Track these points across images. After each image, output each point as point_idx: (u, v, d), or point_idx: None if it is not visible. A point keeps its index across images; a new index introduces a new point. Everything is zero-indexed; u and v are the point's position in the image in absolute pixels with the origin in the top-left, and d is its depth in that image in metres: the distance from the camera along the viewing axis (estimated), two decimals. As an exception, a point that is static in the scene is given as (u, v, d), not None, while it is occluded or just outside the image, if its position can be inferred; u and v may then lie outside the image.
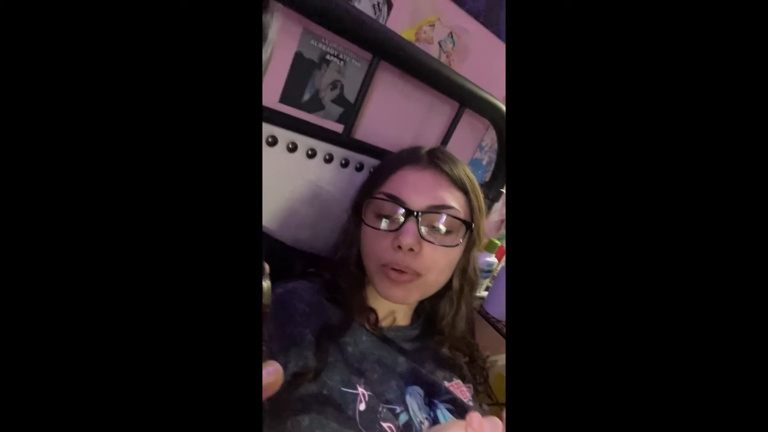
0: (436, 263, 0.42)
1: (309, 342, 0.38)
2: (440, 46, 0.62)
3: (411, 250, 0.40)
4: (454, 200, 0.42)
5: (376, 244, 0.42)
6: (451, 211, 0.41)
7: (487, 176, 0.78)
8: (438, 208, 0.41)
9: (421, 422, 0.39)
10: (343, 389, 0.37)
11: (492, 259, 0.79)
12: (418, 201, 0.41)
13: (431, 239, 0.41)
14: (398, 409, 0.38)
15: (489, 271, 0.80)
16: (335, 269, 0.47)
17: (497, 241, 0.80)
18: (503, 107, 0.68)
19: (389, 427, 0.36)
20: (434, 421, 0.39)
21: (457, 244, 0.42)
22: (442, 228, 0.42)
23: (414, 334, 0.48)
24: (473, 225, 0.43)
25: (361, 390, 0.38)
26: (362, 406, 0.36)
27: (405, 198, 0.41)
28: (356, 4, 0.52)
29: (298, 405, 0.35)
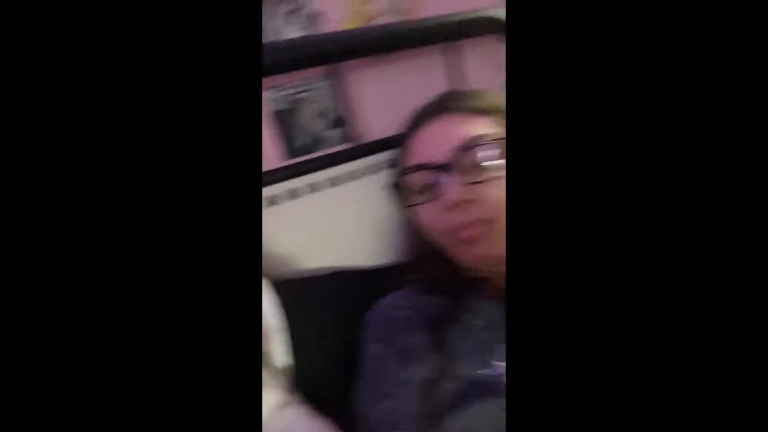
0: (500, 198, 0.36)
1: (425, 344, 0.36)
2: (391, 9, 0.59)
3: (467, 202, 0.35)
4: (483, 128, 0.37)
5: (432, 218, 0.39)
6: (481, 139, 0.36)
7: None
8: (465, 146, 0.36)
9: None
10: (481, 372, 0.33)
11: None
12: (443, 152, 0.37)
13: (481, 178, 0.35)
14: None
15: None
16: (418, 265, 0.44)
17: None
18: (493, 13, 0.59)
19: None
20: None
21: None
22: (485, 161, 0.36)
23: None
24: None
25: (500, 364, 0.33)
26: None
27: (429, 158, 0.38)
28: (288, 34, 0.53)
29: (443, 412, 0.32)
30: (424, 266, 0.43)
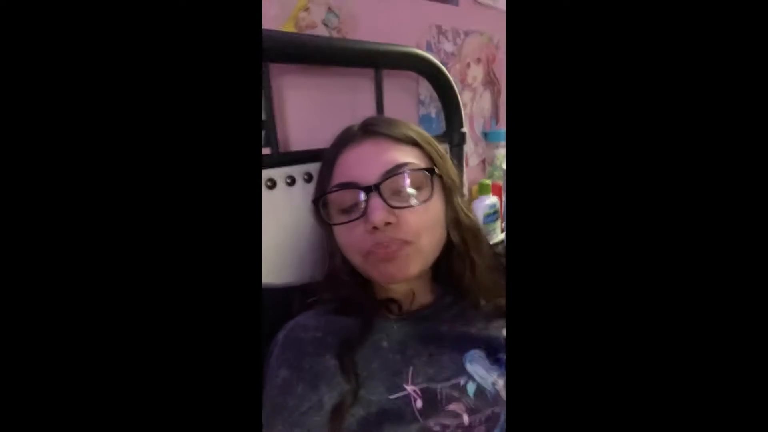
0: (421, 224, 0.38)
1: (333, 366, 0.35)
2: (325, 25, 0.59)
3: (388, 224, 0.36)
4: (407, 156, 0.39)
5: (352, 237, 0.39)
6: (407, 167, 0.38)
7: (443, 126, 0.74)
8: (393, 171, 0.37)
9: (494, 383, 0.33)
10: (391, 397, 0.33)
11: (491, 200, 0.74)
12: (370, 174, 0.37)
13: (403, 203, 0.37)
14: (462, 382, 0.33)
15: (494, 213, 0.75)
16: (330, 285, 0.43)
17: (487, 181, 0.75)
18: (423, 53, 0.64)
19: (457, 408, 0.31)
20: (509, 376, 0.34)
21: (430, 196, 0.38)
22: (408, 188, 0.38)
23: (446, 302, 0.42)
24: (437, 170, 0.40)
25: (410, 388, 0.33)
26: (419, 403, 0.32)
27: (356, 178, 0.38)
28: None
29: None
30: (335, 285, 0.43)
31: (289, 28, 0.55)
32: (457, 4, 0.77)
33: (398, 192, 0.37)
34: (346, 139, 0.41)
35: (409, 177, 0.37)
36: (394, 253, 0.37)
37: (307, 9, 0.56)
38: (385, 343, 0.37)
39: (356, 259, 0.40)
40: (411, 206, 0.37)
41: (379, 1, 0.64)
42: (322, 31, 0.58)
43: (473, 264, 0.42)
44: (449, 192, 0.41)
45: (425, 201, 0.38)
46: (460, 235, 0.42)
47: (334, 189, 0.39)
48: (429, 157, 0.41)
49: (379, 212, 0.35)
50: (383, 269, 0.38)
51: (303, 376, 0.34)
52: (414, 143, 0.40)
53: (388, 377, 0.34)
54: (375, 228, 0.36)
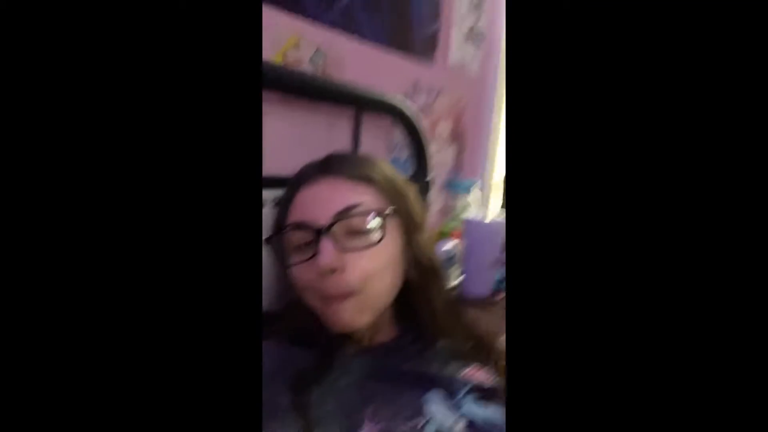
0: (370, 269, 0.37)
1: (286, 403, 0.33)
2: (312, 63, 0.62)
3: (335, 270, 0.36)
4: (362, 196, 0.39)
5: (305, 277, 0.38)
6: (359, 208, 0.37)
7: (411, 171, 0.78)
8: (344, 212, 0.37)
9: (451, 428, 0.33)
10: None
11: (449, 245, 0.77)
12: (322, 216, 0.37)
13: (354, 246, 0.37)
14: (421, 423, 0.33)
15: (452, 257, 0.78)
16: (288, 315, 0.42)
17: (447, 227, 0.79)
18: (402, 101, 0.69)
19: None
20: (470, 419, 0.34)
21: (381, 237, 0.38)
22: (362, 229, 0.37)
23: (407, 339, 0.42)
24: (392, 210, 0.40)
25: (368, 428, 0.32)
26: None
27: (309, 219, 0.37)
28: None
29: None
30: (293, 316, 0.41)
31: (277, 61, 0.57)
32: (432, 66, 0.85)
33: (350, 233, 0.37)
34: (304, 176, 0.41)
35: (361, 218, 0.37)
36: (343, 305, 0.37)
37: (296, 46, 0.59)
38: (342, 381, 0.36)
39: (310, 299, 0.39)
40: (363, 248, 0.37)
41: (365, 51, 0.69)
42: (308, 69, 0.61)
43: (431, 304, 0.42)
44: (409, 231, 0.42)
45: (376, 244, 0.37)
46: (420, 274, 0.42)
47: (287, 229, 0.38)
48: (387, 195, 0.41)
49: (326, 256, 0.35)
50: (333, 319, 0.37)
51: None
52: (371, 182, 0.40)
53: (345, 417, 0.33)
54: (323, 272, 0.35)
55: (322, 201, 0.38)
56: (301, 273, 0.38)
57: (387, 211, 0.39)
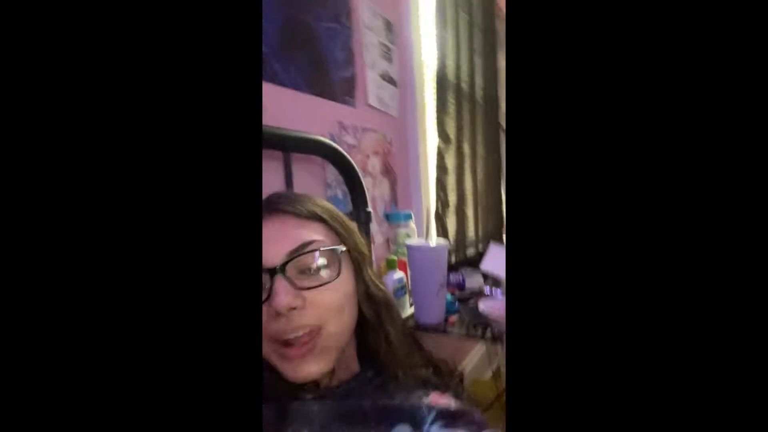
0: (329, 304, 0.36)
1: None
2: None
3: (293, 309, 0.34)
4: (312, 233, 0.38)
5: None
6: (313, 245, 0.37)
7: (350, 206, 0.78)
8: (298, 250, 0.36)
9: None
10: None
11: (397, 274, 0.77)
12: (274, 255, 0.35)
13: (310, 284, 0.36)
14: (392, 459, 0.31)
15: (402, 287, 0.77)
16: None
17: (393, 257, 0.79)
18: (329, 141, 0.70)
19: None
20: (437, 447, 0.33)
21: (338, 274, 0.38)
22: (315, 266, 0.37)
23: (368, 375, 0.40)
24: (345, 246, 0.40)
25: None
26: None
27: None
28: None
29: None
30: None
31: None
32: (354, 106, 0.89)
33: (305, 272, 0.36)
34: None
35: (314, 255, 0.36)
36: (306, 348, 0.35)
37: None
38: (306, 430, 0.33)
39: (266, 350, 0.36)
40: (319, 286, 0.36)
41: (287, 97, 0.70)
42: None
43: (388, 336, 0.42)
44: (358, 266, 0.41)
45: (334, 280, 0.37)
46: (373, 308, 0.42)
47: None
48: (335, 232, 0.40)
49: (282, 296, 0.33)
50: (296, 369, 0.35)
51: None
52: (319, 219, 0.40)
53: None
54: (279, 313, 0.33)
55: (274, 239, 0.36)
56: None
57: (341, 248, 0.38)
